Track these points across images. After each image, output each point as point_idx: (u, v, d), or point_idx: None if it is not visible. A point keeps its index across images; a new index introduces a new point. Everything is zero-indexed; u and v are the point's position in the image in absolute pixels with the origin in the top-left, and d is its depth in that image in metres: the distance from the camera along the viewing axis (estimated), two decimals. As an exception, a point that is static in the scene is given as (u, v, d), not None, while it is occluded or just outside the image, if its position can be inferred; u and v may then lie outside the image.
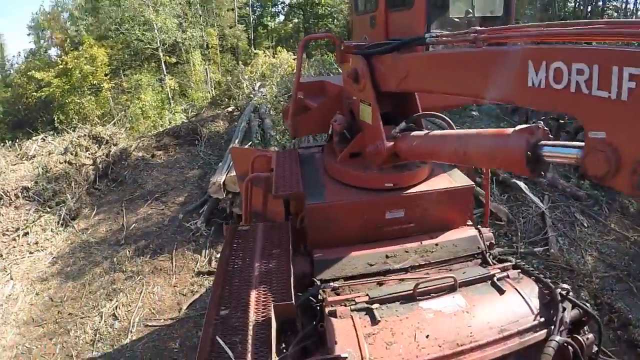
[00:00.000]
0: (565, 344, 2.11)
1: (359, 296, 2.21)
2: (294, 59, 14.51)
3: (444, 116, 2.73)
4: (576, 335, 2.21)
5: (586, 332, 2.31)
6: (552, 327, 2.13)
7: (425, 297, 2.22)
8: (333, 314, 2.11)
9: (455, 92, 2.16)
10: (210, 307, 2.09)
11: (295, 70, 3.58)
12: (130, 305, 6.11)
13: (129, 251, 7.22)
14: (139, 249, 7.27)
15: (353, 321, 2.07)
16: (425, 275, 2.53)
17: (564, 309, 2.21)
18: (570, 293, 2.30)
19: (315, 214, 2.63)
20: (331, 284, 2.40)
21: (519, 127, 1.69)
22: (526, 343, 2.10)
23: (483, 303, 2.24)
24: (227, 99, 14.44)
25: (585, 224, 7.13)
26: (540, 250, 6.49)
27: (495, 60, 1.65)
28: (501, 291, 2.32)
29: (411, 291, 2.21)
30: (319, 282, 2.42)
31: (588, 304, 2.35)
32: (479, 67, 1.77)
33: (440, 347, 1.95)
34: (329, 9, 28.74)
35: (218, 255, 6.52)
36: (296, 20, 31.06)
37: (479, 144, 1.91)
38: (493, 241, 2.94)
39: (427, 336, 1.99)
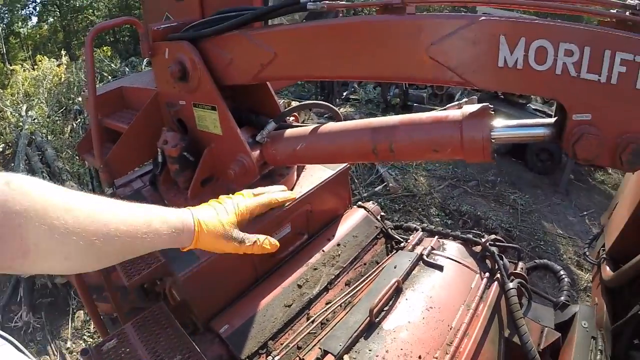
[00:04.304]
0: (519, 285, 2.05)
1: (320, 358, 1.65)
2: (58, 65, 11.33)
3: (330, 105, 2.10)
4: (516, 272, 2.17)
5: (515, 262, 2.34)
6: (500, 277, 2.04)
7: (383, 316, 1.82)
8: None
9: (365, 76, 1.61)
10: None
11: (87, 77, 2.29)
12: None
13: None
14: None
15: None
16: (348, 287, 2.12)
17: (501, 257, 2.14)
18: (493, 237, 2.27)
19: (194, 283, 1.79)
20: (268, 359, 1.76)
21: (465, 109, 1.39)
22: (491, 305, 1.96)
23: (435, 289, 1.98)
24: (-9, 138, 10.92)
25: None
26: (380, 188, 6.68)
27: (437, 32, 1.23)
28: (439, 267, 2.11)
29: (367, 318, 1.77)
30: None
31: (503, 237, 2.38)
32: (408, 43, 1.31)
33: (436, 358, 1.63)
34: (87, -2, 24.19)
35: (68, 345, 4.91)
36: (51, 20, 25.19)
37: (415, 135, 1.48)
38: (382, 212, 2.72)
39: (420, 357, 1.63)
